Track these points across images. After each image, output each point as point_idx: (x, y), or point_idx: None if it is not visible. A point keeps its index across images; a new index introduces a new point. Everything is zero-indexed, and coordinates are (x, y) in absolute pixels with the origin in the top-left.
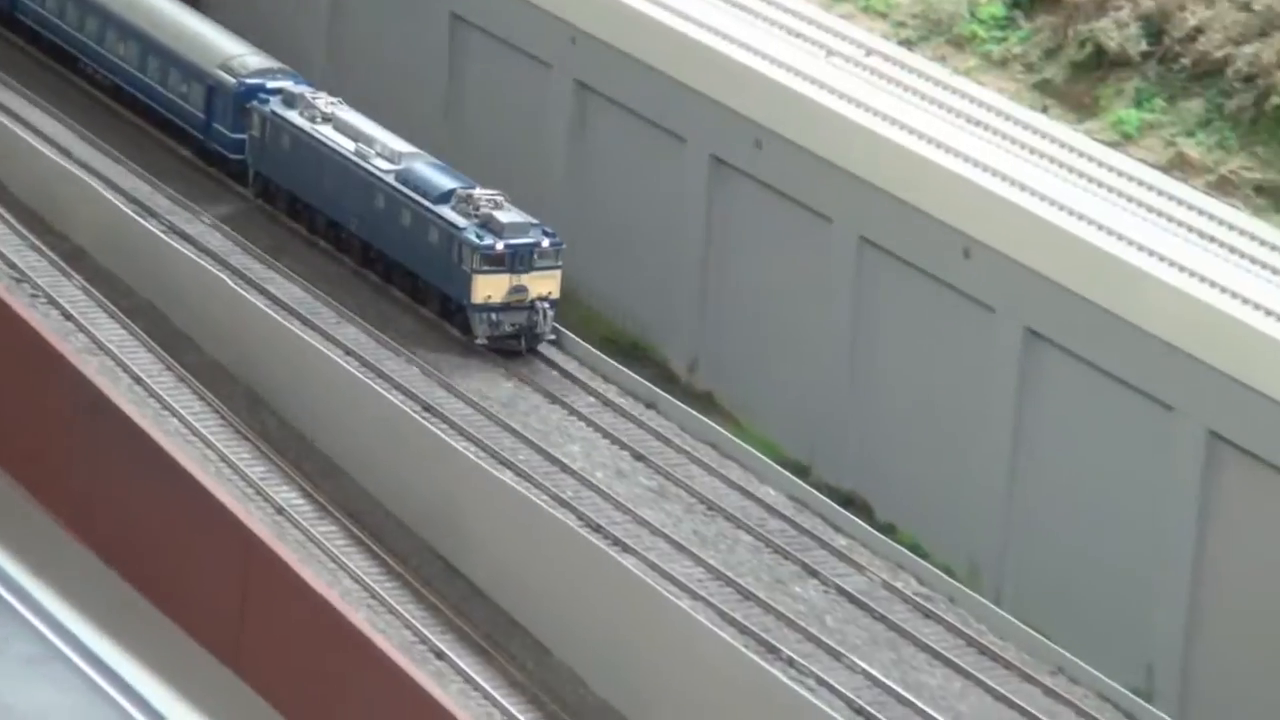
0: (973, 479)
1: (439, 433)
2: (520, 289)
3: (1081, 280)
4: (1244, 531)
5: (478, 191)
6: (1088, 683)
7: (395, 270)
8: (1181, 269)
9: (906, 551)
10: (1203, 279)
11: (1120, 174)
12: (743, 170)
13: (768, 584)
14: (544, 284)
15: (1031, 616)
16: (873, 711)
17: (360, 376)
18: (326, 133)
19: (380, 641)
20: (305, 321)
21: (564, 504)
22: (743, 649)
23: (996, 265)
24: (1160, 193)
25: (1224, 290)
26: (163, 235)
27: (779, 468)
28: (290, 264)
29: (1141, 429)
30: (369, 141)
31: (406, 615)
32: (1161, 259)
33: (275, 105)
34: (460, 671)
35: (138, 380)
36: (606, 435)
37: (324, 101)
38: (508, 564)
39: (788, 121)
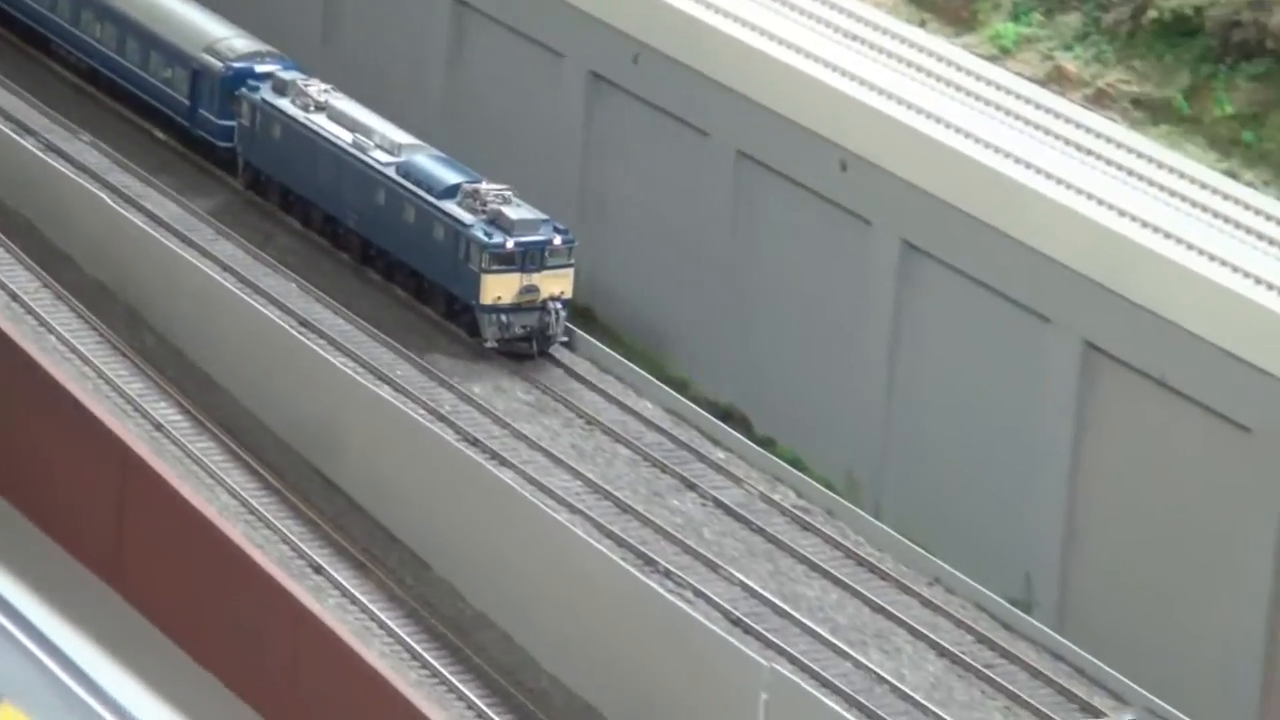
0: (851, 392)
1: (316, 348)
2: (531, 289)
3: (959, 193)
4: (1118, 439)
5: (484, 186)
6: (964, 593)
7: (397, 269)
8: (1059, 182)
9: (785, 465)
10: (1080, 191)
11: (998, 88)
12: (621, 86)
13: (645, 497)
14: (556, 283)
15: (910, 529)
16: (750, 622)
17: (237, 292)
18: (321, 122)
19: (258, 556)
20: (182, 238)
21: (442, 418)
22: (620, 561)
23: (873, 178)
24: (1038, 106)
25: (1101, 203)
26: (40, 153)
27: (657, 382)
28: (168, 181)
29: (1018, 340)
30: (366, 132)
31: (284, 530)
32: (1039, 172)
33: (265, 93)
34: (338, 585)
35: (15, 298)
36: (484, 350)
37: (316, 89)
38: (386, 479)
39: (665, 36)
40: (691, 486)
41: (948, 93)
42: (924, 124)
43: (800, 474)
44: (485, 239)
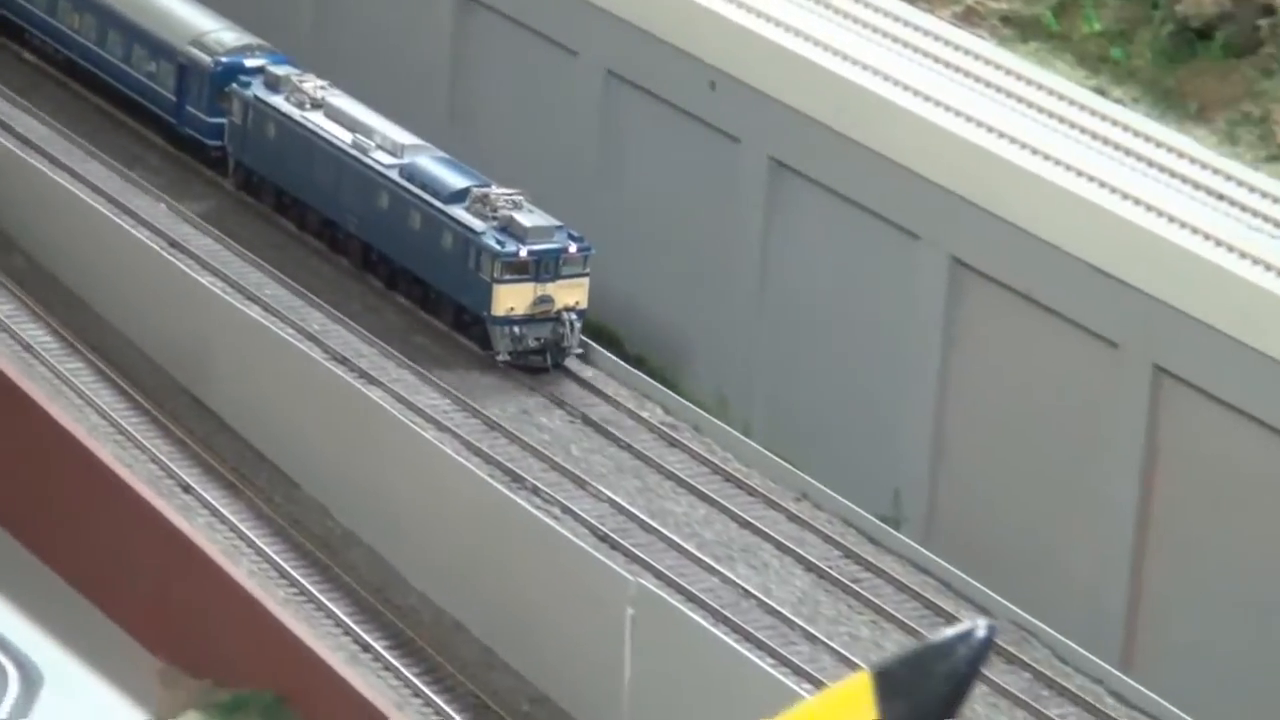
0: (721, 310)
1: (185, 268)
2: (546, 299)
3: (827, 111)
4: (986, 356)
5: (494, 190)
6: (832, 508)
7: (401, 276)
8: (927, 99)
9: (654, 382)
10: (948, 109)
11: (866, 5)
12: (490, 6)
13: (513, 414)
14: (571, 293)
15: (781, 447)
16: (617, 538)
17: (106, 213)
18: (318, 121)
19: (126, 475)
20: (52, 160)
21: (310, 337)
22: (487, 478)
23: (742, 97)
24: (906, 23)
25: (969, 119)
26: None
27: None
28: (39, 102)
29: (887, 257)
30: (367, 132)
31: (154, 450)
32: (907, 89)
33: (258, 89)
34: (207, 505)
35: None
36: (355, 272)
37: (311, 85)
38: (255, 398)
39: None
40: (560, 404)
41: (816, 10)
42: (792, 42)
43: (668, 391)
44: (497, 247)
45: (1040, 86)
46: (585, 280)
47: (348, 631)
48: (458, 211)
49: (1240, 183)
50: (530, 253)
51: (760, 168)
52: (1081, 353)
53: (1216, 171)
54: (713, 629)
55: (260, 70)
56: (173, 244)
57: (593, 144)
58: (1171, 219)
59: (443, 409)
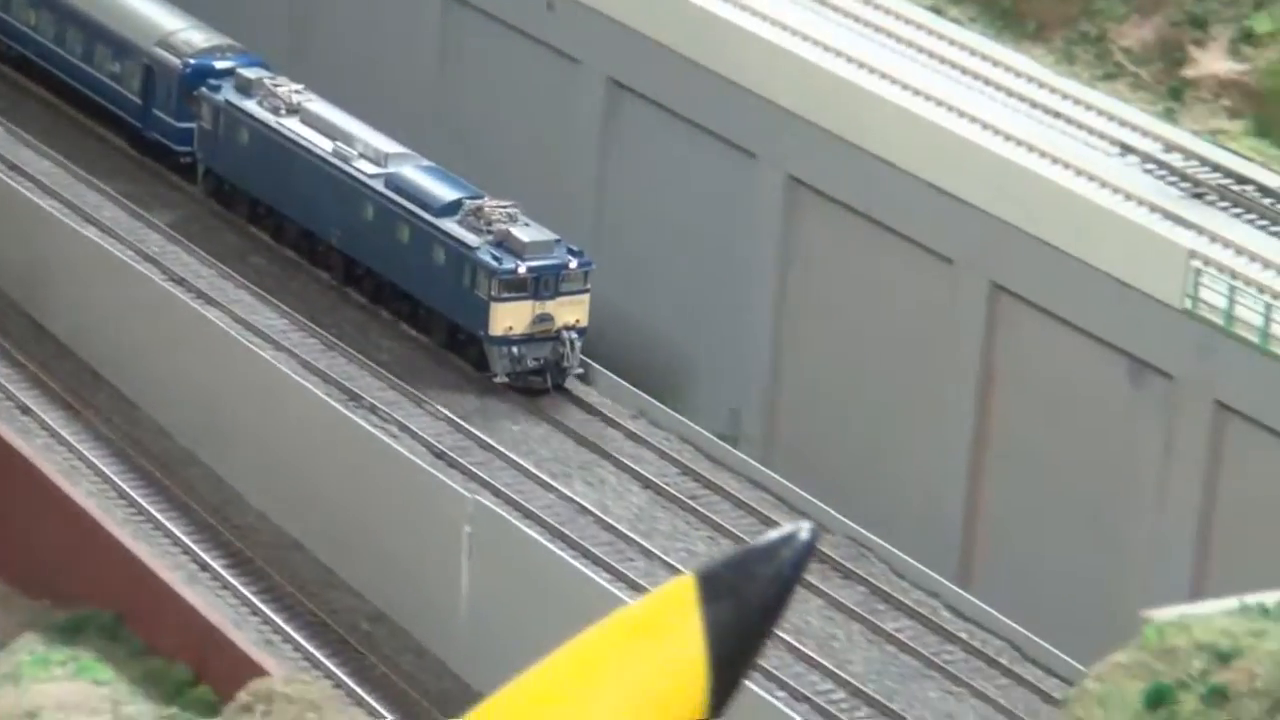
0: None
1: (22, 190)
2: (545, 318)
3: (665, 31)
4: (824, 274)
5: (489, 203)
6: (670, 426)
7: (387, 291)
8: (765, 19)
9: None
10: (785, 28)
11: None
12: None
13: (351, 335)
14: (571, 311)
15: (618, 365)
16: (454, 456)
17: None
18: (295, 128)
19: None
20: None
21: (148, 259)
22: (325, 397)
23: (579, 17)
24: None
25: (805, 38)
26: None
27: None
28: None
29: (725, 176)
30: (348, 139)
31: None
32: (745, 9)
33: (229, 93)
34: (46, 426)
35: None
36: (198, 199)
37: (286, 89)
38: (94, 320)
39: None
40: (398, 324)
41: None
42: None
43: None
44: (494, 263)
45: (877, 6)
46: (586, 297)
47: (186, 551)
48: (450, 225)
49: (1077, 101)
50: (529, 269)
51: (598, 88)
52: (918, 270)
53: (1054, 90)
54: (549, 545)
55: (231, 73)
56: (12, 167)
57: (432, 66)
58: (1008, 137)
59: (280, 328)
